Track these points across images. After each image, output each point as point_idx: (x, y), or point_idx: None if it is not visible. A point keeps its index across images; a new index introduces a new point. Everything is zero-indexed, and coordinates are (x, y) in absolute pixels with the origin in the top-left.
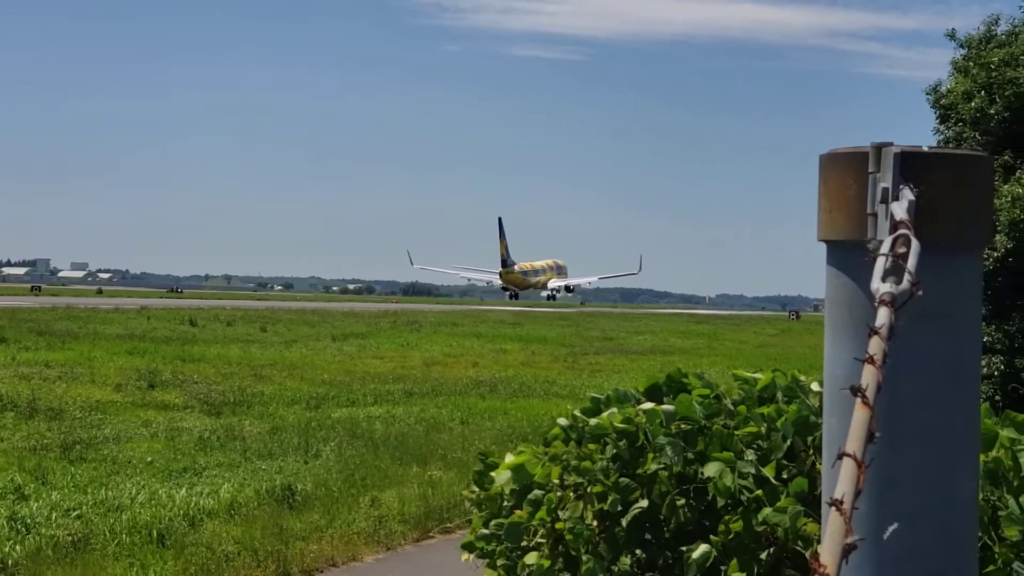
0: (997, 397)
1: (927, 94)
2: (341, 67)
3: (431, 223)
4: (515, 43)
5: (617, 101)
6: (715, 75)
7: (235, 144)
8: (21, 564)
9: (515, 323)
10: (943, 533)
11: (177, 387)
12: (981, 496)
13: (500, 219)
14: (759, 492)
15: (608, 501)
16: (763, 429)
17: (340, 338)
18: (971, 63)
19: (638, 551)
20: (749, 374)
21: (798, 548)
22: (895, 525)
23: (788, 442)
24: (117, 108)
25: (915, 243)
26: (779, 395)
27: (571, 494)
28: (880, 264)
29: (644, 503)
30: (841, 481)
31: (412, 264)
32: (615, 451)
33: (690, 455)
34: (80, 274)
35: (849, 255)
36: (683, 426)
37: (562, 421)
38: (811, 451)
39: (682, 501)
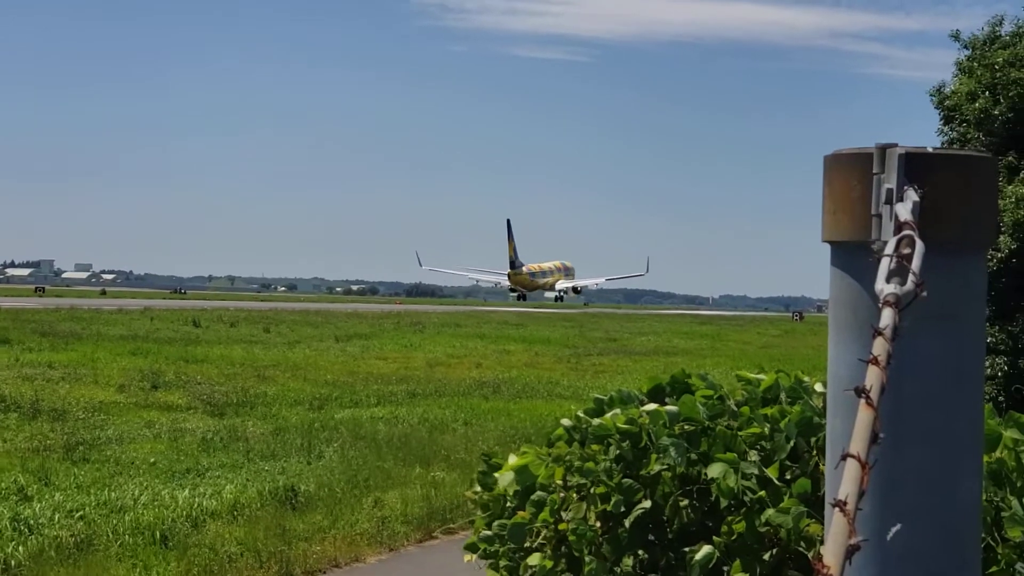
0: (1000, 398)
1: (931, 95)
2: (344, 67)
3: (434, 224)
4: (519, 44)
5: (621, 102)
6: (718, 76)
7: (238, 144)
8: (24, 565)
9: (519, 324)
10: (946, 534)
11: (180, 388)
12: (984, 497)
13: (508, 221)
14: (762, 493)
15: (611, 502)
16: (766, 430)
17: (343, 339)
18: (975, 64)
19: (641, 552)
20: (753, 375)
21: (800, 549)
22: (898, 526)
23: (791, 443)
24: (117, 108)
25: (919, 244)
26: (783, 396)
27: (574, 495)
28: (884, 265)
29: (647, 504)
30: (845, 482)
31: (421, 265)
32: (618, 452)
33: (693, 456)
34: (84, 275)
35: (853, 256)
36: (686, 427)
37: (565, 422)
38: (814, 452)
39: (685, 502)
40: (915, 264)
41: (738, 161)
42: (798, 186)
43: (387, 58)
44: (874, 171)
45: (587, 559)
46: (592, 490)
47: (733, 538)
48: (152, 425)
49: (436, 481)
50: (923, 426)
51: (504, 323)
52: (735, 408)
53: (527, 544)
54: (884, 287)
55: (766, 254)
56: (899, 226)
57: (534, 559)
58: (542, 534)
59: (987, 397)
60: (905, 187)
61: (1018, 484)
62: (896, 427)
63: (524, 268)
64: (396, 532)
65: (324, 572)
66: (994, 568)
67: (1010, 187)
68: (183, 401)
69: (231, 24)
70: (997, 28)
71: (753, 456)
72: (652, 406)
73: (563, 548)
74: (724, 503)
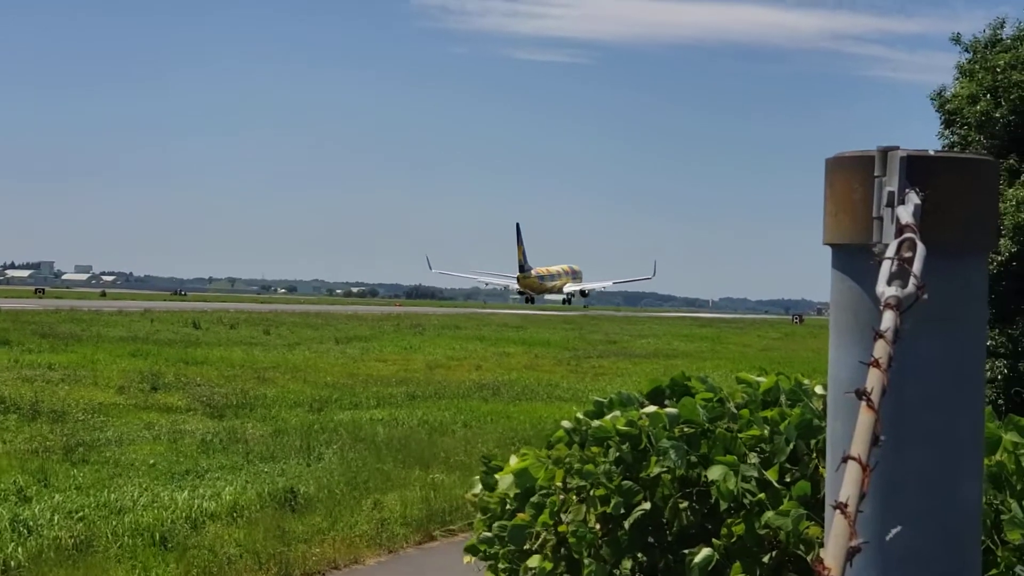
0: (1000, 401)
1: (931, 99)
2: (345, 68)
3: (434, 226)
4: (520, 46)
5: (622, 104)
6: (719, 78)
7: (238, 145)
8: (24, 566)
9: (518, 326)
10: (946, 536)
11: (180, 389)
12: (984, 500)
13: (518, 225)
14: (762, 495)
15: (611, 504)
16: (766, 432)
17: (343, 341)
18: (976, 66)
19: (640, 554)
20: (752, 377)
21: (800, 552)
22: (898, 527)
23: (791, 445)
24: (117, 108)
25: (921, 247)
26: (783, 398)
27: (574, 497)
28: (886, 268)
29: (647, 506)
30: (846, 484)
31: (431, 269)
32: (618, 454)
33: (693, 458)
34: (84, 277)
35: (855, 259)
36: (686, 429)
37: (565, 424)
38: (814, 455)
39: (685, 504)
40: (916, 267)
41: (739, 163)
42: (799, 189)
43: (388, 59)
44: (875, 174)
45: (587, 561)
46: (592, 492)
47: (733, 540)
48: (152, 427)
49: (435, 483)
50: (924, 429)
51: (504, 325)
52: (735, 410)
53: (527, 546)
54: (885, 290)
55: (766, 257)
56: (900, 229)
57: (534, 561)
58: (542, 536)
59: (987, 400)
60: (906, 190)
61: (1018, 487)
62: (897, 429)
63: (532, 271)
64: (395, 534)
65: (323, 574)
66: (994, 571)
67: (1010, 190)
68: (183, 403)
69: (231, 24)
70: (998, 31)
71: (753, 458)
72: (652, 408)
73: (563, 550)
74: (724, 505)
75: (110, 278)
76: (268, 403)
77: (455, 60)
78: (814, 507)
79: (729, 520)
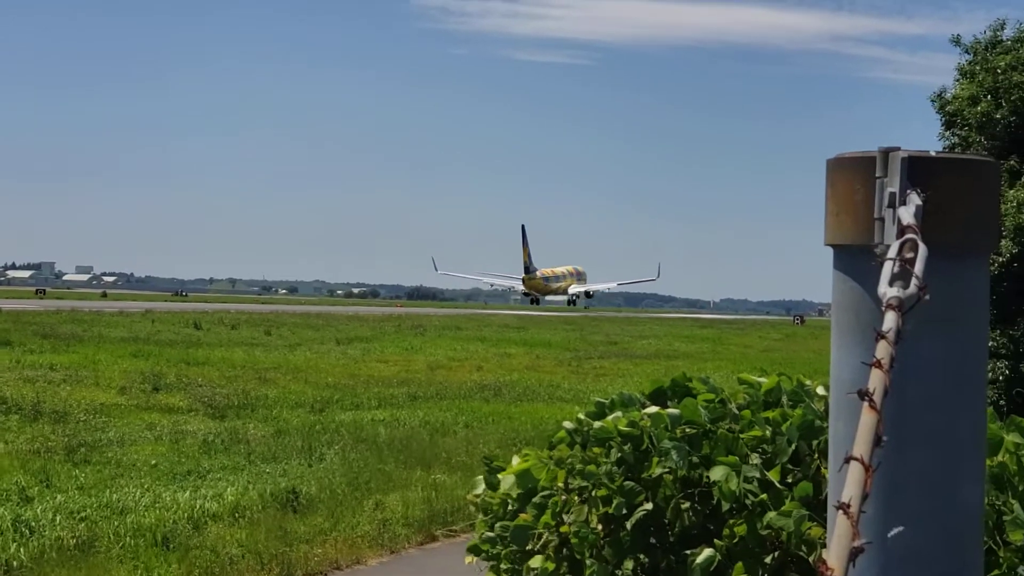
0: (1002, 402)
1: (932, 101)
2: (346, 69)
3: (435, 227)
4: (520, 47)
5: (622, 105)
6: (720, 79)
7: (239, 145)
8: (26, 567)
9: (519, 327)
10: (949, 537)
11: (181, 390)
12: (986, 501)
13: (523, 227)
14: (764, 496)
15: (613, 505)
16: (768, 433)
17: (344, 342)
18: (977, 68)
19: (642, 555)
20: (754, 378)
21: (802, 553)
22: (900, 528)
23: (793, 446)
24: (117, 108)
25: (922, 248)
26: (784, 399)
27: (576, 498)
28: (887, 268)
29: (649, 507)
30: (848, 485)
31: (436, 270)
32: (620, 455)
33: (695, 459)
34: (85, 277)
35: (856, 259)
36: (688, 430)
37: (567, 425)
38: (816, 455)
39: (687, 505)
40: (918, 268)
41: (739, 164)
42: (799, 190)
43: (388, 60)
44: (877, 175)
45: (588, 562)
46: (593, 493)
47: (734, 541)
48: (153, 427)
49: (437, 484)
50: (925, 429)
51: (505, 326)
52: (736, 411)
53: (529, 547)
54: (887, 290)
55: (767, 258)
56: (902, 230)
57: (536, 561)
58: (544, 537)
59: (988, 401)
60: (908, 191)
61: (1020, 488)
62: (899, 430)
63: (538, 273)
64: (397, 534)
65: (325, 574)
66: (996, 572)
67: (1011, 191)
68: (184, 403)
69: (231, 24)
70: (999, 32)
71: (755, 459)
72: (653, 409)
73: (565, 551)
74: (725, 506)
75: (111, 279)
76: (269, 404)
77: (455, 61)
78: (816, 508)
79: (731, 521)
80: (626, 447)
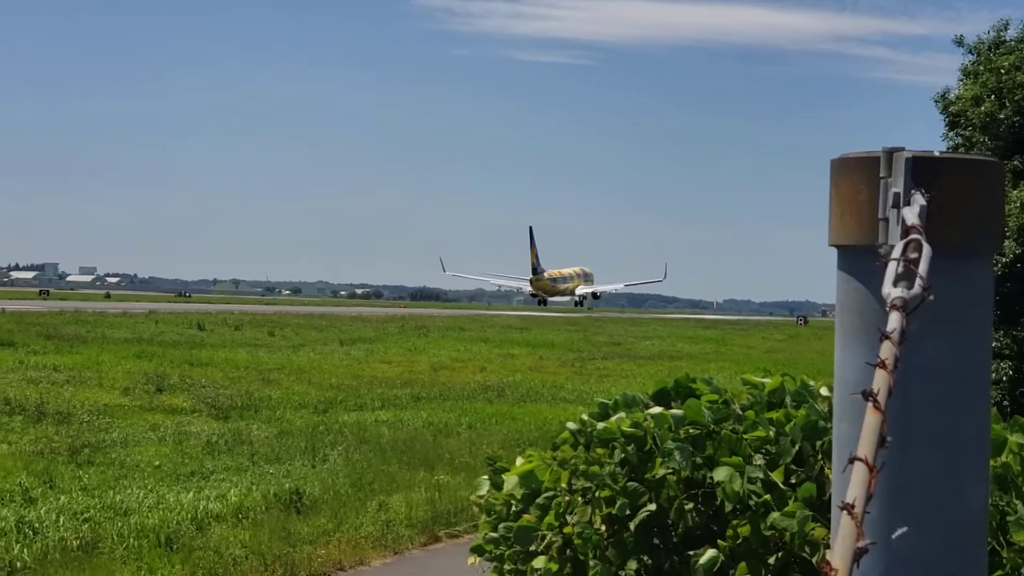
0: (1005, 402)
1: (936, 101)
2: (348, 69)
3: (439, 227)
4: (523, 48)
5: (624, 105)
6: (722, 79)
7: (242, 147)
8: (29, 567)
9: (523, 328)
10: (952, 538)
11: (185, 391)
12: (990, 501)
13: (531, 228)
14: (767, 497)
15: (616, 505)
16: (772, 434)
17: (348, 342)
18: (981, 68)
19: (645, 556)
20: (757, 379)
21: (805, 554)
22: (903, 528)
23: (796, 447)
24: (117, 108)
25: (927, 248)
26: (788, 400)
27: (579, 498)
28: (891, 269)
29: (652, 507)
30: (852, 485)
31: (444, 271)
32: (623, 455)
33: (698, 460)
34: (88, 278)
35: (860, 260)
36: (691, 431)
37: (570, 425)
38: (819, 456)
39: (690, 505)
40: (922, 268)
41: (742, 165)
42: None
43: (390, 61)
44: (881, 175)
45: (592, 563)
46: (597, 493)
47: (738, 542)
48: (157, 428)
49: (440, 485)
50: (930, 430)
51: (508, 327)
52: (740, 412)
53: (532, 547)
54: (891, 291)
55: (770, 258)
56: (906, 230)
57: (539, 562)
58: (547, 538)
59: (992, 402)
60: (912, 191)
61: (1023, 488)
62: (903, 431)
63: (546, 274)
64: (400, 535)
65: (328, 575)
66: (999, 572)
67: (1015, 191)
68: (187, 404)
69: (231, 24)
70: (1002, 33)
71: (758, 460)
72: (657, 410)
73: (568, 551)
74: (729, 507)
75: (114, 280)
76: (273, 405)
77: (458, 61)
78: (819, 508)
79: (734, 521)
80: (629, 448)
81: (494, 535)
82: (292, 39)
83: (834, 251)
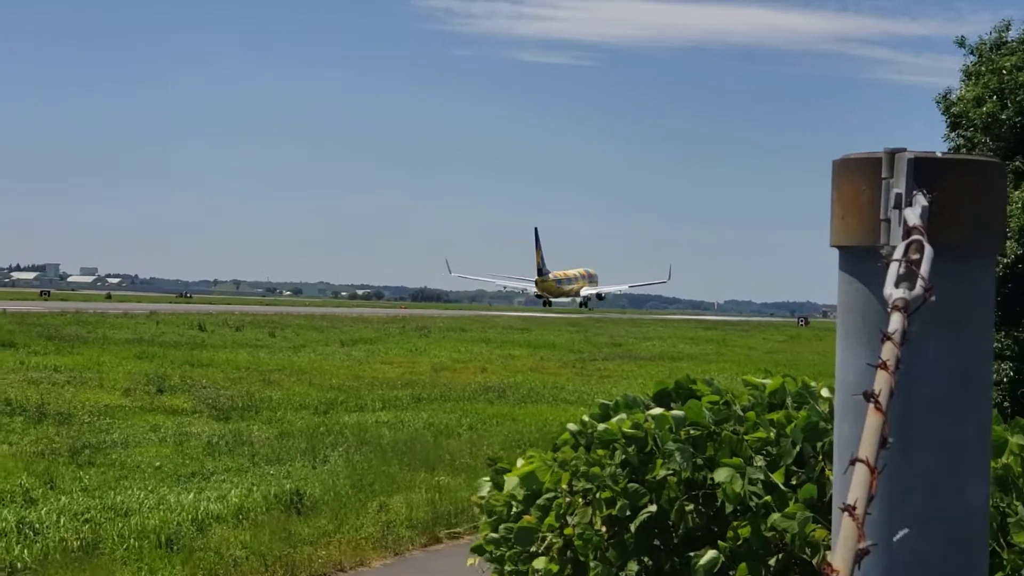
0: (1006, 403)
1: (937, 102)
2: (351, 70)
3: (441, 228)
4: (525, 48)
5: (626, 106)
6: (724, 80)
7: (244, 147)
8: (30, 568)
9: (523, 329)
10: (953, 539)
11: (186, 392)
12: (991, 503)
13: (536, 230)
14: (768, 498)
15: (617, 507)
16: (772, 435)
17: (349, 343)
18: (983, 68)
19: (646, 557)
20: (758, 380)
21: (806, 555)
22: (905, 530)
23: (797, 448)
24: (117, 108)
25: (928, 249)
26: (789, 401)
27: (580, 500)
28: (893, 270)
29: (653, 509)
30: (854, 486)
31: (450, 272)
32: (624, 457)
33: (699, 461)
34: (89, 279)
35: (862, 261)
36: (692, 432)
37: (571, 426)
38: (820, 457)
39: (691, 507)
40: (924, 269)
41: (743, 165)
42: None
43: (393, 61)
44: (883, 176)
45: (592, 564)
46: (597, 495)
47: (739, 543)
48: (157, 429)
49: (441, 486)
50: (931, 431)
51: (509, 328)
52: (741, 413)
53: (533, 548)
54: (893, 292)
55: (772, 259)
56: (908, 231)
57: (539, 563)
58: (548, 539)
59: (993, 403)
60: (914, 192)
61: None
62: (904, 432)
63: (551, 275)
64: (401, 537)
65: None
66: (1000, 574)
67: (1016, 192)
68: (188, 405)
69: (232, 24)
70: (1003, 34)
71: (759, 461)
72: (658, 411)
73: (569, 553)
74: (729, 508)
75: (115, 280)
76: (274, 405)
77: (460, 62)
78: (820, 510)
79: (735, 523)
80: (630, 449)
81: (495, 536)
82: (293, 39)
83: (835, 252)
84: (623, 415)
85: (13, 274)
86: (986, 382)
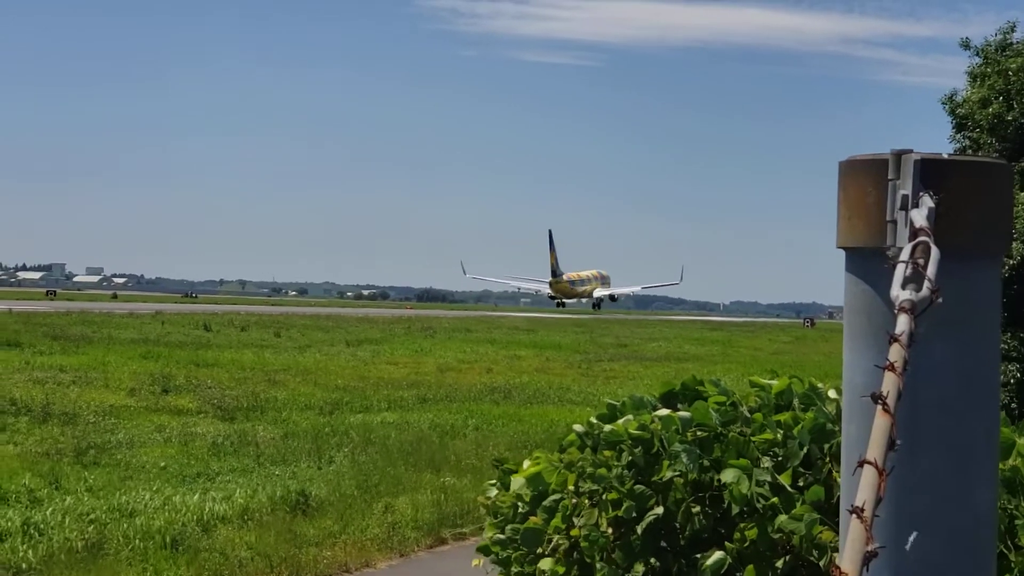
0: (1013, 405)
1: (943, 103)
2: (354, 70)
3: (446, 228)
4: (529, 48)
5: (630, 106)
6: (728, 81)
7: (249, 147)
8: (35, 568)
9: (529, 329)
10: (961, 541)
11: (191, 392)
12: (999, 504)
13: (550, 232)
14: (775, 499)
15: (623, 508)
16: (779, 436)
17: (354, 344)
18: (988, 70)
19: (653, 558)
20: (765, 381)
21: (812, 557)
22: (916, 534)
23: (804, 450)
24: (117, 108)
25: (935, 250)
26: (796, 402)
27: (586, 501)
28: (900, 271)
29: (659, 510)
30: (862, 488)
31: (465, 274)
32: (630, 458)
33: (706, 462)
34: (95, 279)
35: (868, 262)
36: (699, 433)
37: (578, 427)
38: (827, 459)
39: (697, 508)
40: (930, 270)
41: (748, 166)
42: (809, 192)
43: (395, 61)
44: (889, 177)
45: (599, 565)
46: (604, 496)
47: (745, 544)
48: (163, 429)
49: (447, 487)
50: (938, 433)
51: (515, 328)
52: (748, 414)
53: (539, 549)
54: (899, 293)
55: (777, 260)
56: (914, 232)
57: (546, 564)
58: (554, 540)
59: (1000, 404)
60: (920, 193)
61: None
62: (911, 434)
63: (564, 277)
64: (407, 537)
65: None
66: (1007, 575)
67: (1022, 193)
68: (194, 405)
69: (232, 24)
70: (1008, 35)
71: (766, 462)
72: (664, 412)
73: (575, 554)
74: (736, 509)
75: (121, 280)
76: (279, 406)
77: (464, 62)
78: (827, 511)
79: (742, 524)
80: (637, 450)
81: (501, 537)
82: (294, 39)
83: (842, 253)
84: (630, 416)
85: (19, 274)
86: (993, 384)
